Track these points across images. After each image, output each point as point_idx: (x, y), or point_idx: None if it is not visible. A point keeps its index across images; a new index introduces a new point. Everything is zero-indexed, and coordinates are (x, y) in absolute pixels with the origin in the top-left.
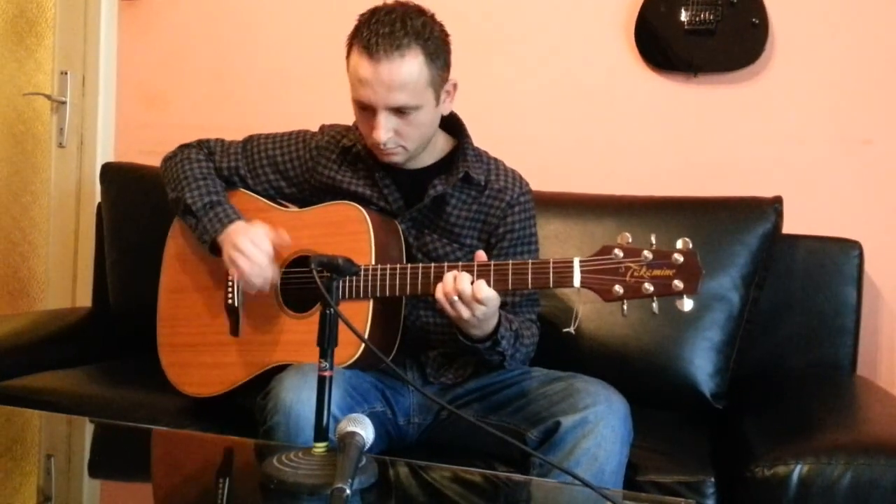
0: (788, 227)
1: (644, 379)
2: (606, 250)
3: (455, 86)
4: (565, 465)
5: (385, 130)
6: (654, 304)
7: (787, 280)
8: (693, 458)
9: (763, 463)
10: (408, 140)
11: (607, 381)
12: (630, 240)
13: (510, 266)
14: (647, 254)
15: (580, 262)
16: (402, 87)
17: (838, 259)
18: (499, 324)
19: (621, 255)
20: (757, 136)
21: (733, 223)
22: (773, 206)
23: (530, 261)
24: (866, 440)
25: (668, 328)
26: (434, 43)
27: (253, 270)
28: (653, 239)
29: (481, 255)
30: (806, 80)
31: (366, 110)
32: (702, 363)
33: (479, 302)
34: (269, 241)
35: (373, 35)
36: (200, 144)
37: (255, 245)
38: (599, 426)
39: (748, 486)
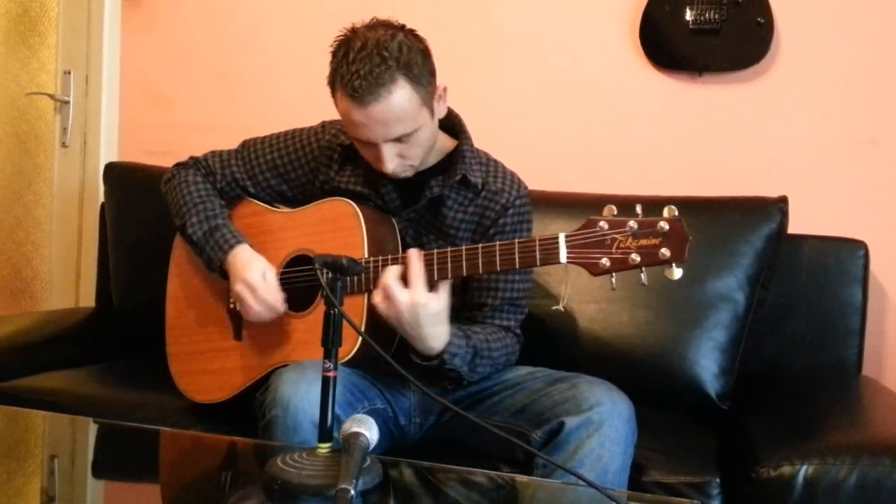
0: (794, 227)
1: (649, 379)
2: (591, 223)
3: (445, 89)
4: (569, 465)
5: (390, 161)
6: (643, 275)
7: (793, 280)
8: (698, 458)
9: (768, 463)
10: (414, 158)
11: (612, 381)
12: (616, 212)
13: (497, 247)
14: (633, 224)
15: (565, 237)
16: (398, 120)
17: (844, 259)
18: (448, 342)
19: (606, 227)
20: (762, 135)
21: (738, 223)
22: (779, 206)
23: (517, 240)
24: (872, 441)
25: (673, 328)
26: (415, 63)
27: (258, 312)
28: (638, 209)
29: (413, 253)
30: (811, 80)
31: (367, 144)
32: (707, 363)
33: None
34: (262, 285)
35: (354, 77)
36: (197, 163)
37: (252, 292)
38: (603, 426)
39: (753, 487)
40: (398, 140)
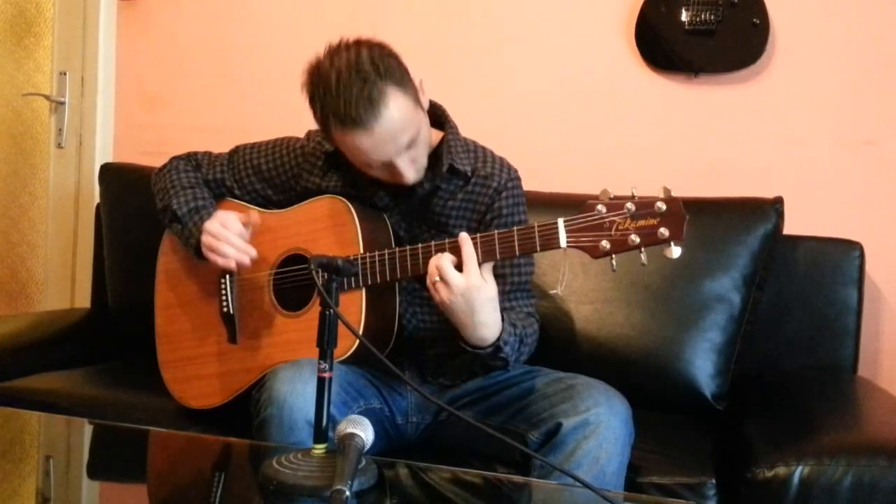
0: (789, 228)
1: (645, 380)
2: (589, 207)
3: (421, 82)
4: (566, 466)
5: (408, 171)
6: (643, 256)
7: (788, 281)
8: (694, 459)
9: (764, 464)
10: (422, 158)
11: (608, 382)
12: (612, 195)
13: (496, 235)
14: (630, 205)
15: (564, 221)
16: (403, 130)
17: (839, 260)
18: (502, 329)
19: (604, 210)
20: (758, 136)
21: (734, 224)
22: (774, 207)
23: (516, 228)
24: (867, 441)
25: (668, 329)
26: (392, 68)
27: (225, 249)
28: (634, 192)
29: (464, 237)
30: (807, 81)
31: (379, 166)
32: (702, 364)
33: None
34: (237, 220)
35: (347, 106)
36: (189, 157)
37: (222, 226)
38: (601, 428)
39: (749, 488)
40: (408, 147)
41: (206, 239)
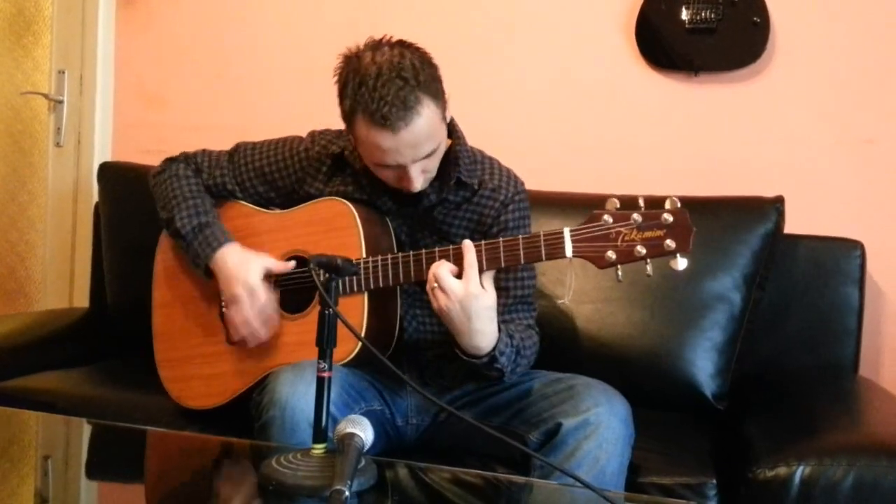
0: (790, 227)
1: (645, 380)
2: (596, 217)
3: (448, 95)
4: (566, 466)
5: (418, 179)
6: (648, 267)
7: (789, 280)
8: (694, 459)
9: (765, 464)
10: (433, 169)
11: (608, 382)
12: (618, 205)
13: (501, 243)
14: (637, 216)
15: (570, 231)
16: (427, 139)
17: (840, 259)
18: (498, 339)
19: (611, 220)
20: (758, 135)
21: (735, 223)
22: (775, 206)
23: (521, 236)
24: (868, 441)
25: (669, 329)
26: (431, 78)
27: (246, 329)
28: (641, 202)
29: (468, 244)
30: (807, 80)
31: (390, 167)
32: (703, 364)
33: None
34: (265, 294)
35: (382, 105)
36: (187, 159)
37: (252, 298)
38: (601, 428)
39: (750, 488)
40: (424, 157)
41: (230, 302)
